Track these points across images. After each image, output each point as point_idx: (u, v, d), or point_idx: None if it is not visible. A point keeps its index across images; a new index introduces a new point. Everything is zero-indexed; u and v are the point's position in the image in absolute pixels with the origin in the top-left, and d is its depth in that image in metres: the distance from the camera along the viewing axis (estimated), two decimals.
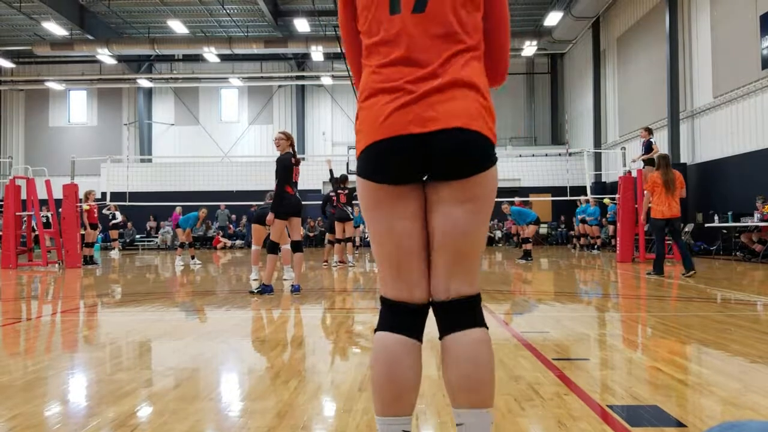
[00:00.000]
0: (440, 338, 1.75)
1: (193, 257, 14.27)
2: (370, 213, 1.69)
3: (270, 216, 7.27)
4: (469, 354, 1.71)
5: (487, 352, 1.74)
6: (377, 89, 1.62)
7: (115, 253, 17.97)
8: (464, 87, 1.63)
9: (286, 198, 7.21)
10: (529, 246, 13.76)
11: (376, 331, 1.75)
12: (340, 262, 12.36)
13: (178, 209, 16.38)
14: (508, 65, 1.86)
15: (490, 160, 1.71)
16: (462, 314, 1.71)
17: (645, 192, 9.17)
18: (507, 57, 1.83)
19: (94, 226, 14.61)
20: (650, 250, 15.01)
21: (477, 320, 1.71)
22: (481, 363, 1.73)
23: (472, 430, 1.69)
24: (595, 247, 18.12)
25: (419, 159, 1.60)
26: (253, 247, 9.76)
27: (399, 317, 1.73)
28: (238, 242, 25.39)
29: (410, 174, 1.63)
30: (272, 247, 7.40)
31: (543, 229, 24.33)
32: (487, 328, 1.74)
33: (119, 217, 18.03)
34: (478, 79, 1.67)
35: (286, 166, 7.26)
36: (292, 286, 7.48)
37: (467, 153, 1.63)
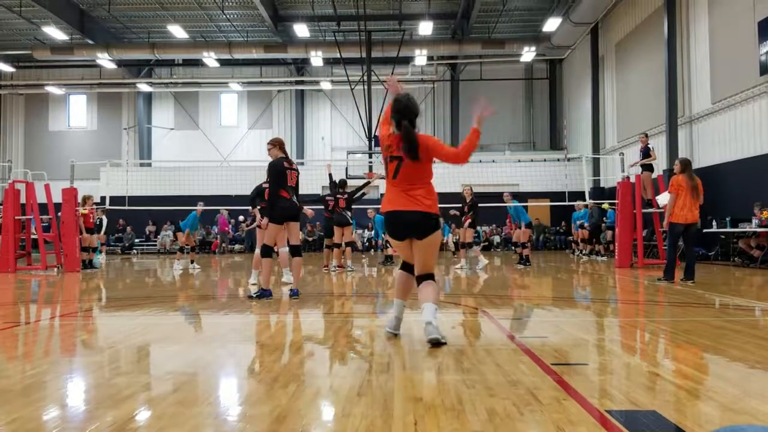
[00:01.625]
0: (417, 285, 4.46)
1: (192, 261, 14.26)
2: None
3: (264, 220, 7.25)
4: (426, 288, 4.37)
5: (433, 286, 4.38)
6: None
7: (102, 258, 17.91)
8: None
9: (280, 203, 7.18)
10: (527, 251, 13.78)
11: (398, 269, 4.67)
12: (338, 266, 12.38)
13: (224, 212, 16.44)
14: (468, 152, 4.54)
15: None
16: (424, 278, 4.42)
17: (670, 193, 8.96)
18: (464, 155, 4.54)
19: (90, 231, 14.59)
20: (648, 255, 15.02)
21: (430, 278, 4.41)
22: (430, 290, 4.35)
23: (427, 309, 4.25)
24: (597, 252, 18.10)
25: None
26: (256, 251, 9.72)
27: (405, 267, 4.58)
28: (237, 246, 25.39)
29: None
30: (266, 251, 7.36)
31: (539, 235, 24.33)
32: (435, 280, 4.43)
33: (105, 222, 17.96)
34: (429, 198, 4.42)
35: (279, 171, 7.20)
36: (291, 290, 7.47)
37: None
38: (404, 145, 4.38)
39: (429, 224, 4.29)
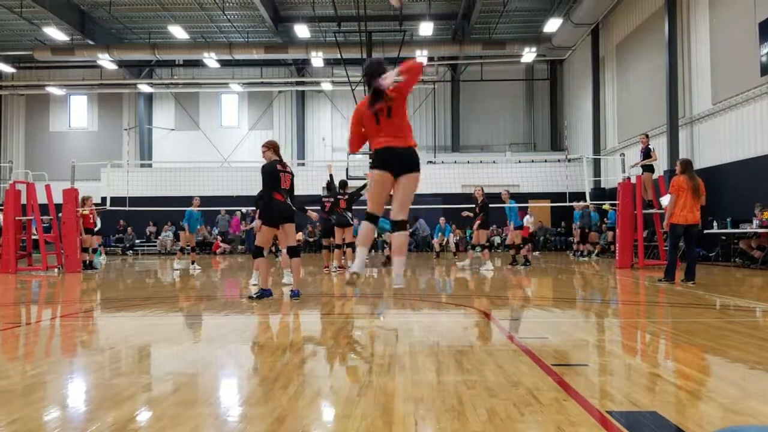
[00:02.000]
0: (391, 233, 5.05)
1: (193, 262, 14.25)
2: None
3: (257, 223, 7.33)
4: (399, 239, 4.93)
5: (405, 237, 4.94)
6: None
7: (103, 258, 17.92)
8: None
9: (274, 205, 7.23)
10: (524, 251, 13.77)
11: (361, 221, 5.08)
12: (339, 267, 12.35)
13: (239, 214, 16.48)
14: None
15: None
16: (399, 226, 4.90)
17: (670, 194, 8.92)
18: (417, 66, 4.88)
19: (90, 232, 14.60)
20: (648, 256, 15.01)
21: (404, 227, 4.90)
22: (402, 241, 4.92)
23: (397, 265, 4.94)
24: (596, 253, 18.13)
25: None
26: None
27: (370, 218, 4.93)
28: (240, 247, 25.39)
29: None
30: (257, 252, 7.45)
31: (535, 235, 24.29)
32: (407, 230, 4.93)
33: (98, 223, 17.92)
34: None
35: (272, 174, 7.28)
36: (292, 291, 7.48)
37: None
38: (372, 91, 4.84)
39: (416, 159, 4.99)
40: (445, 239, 20.47)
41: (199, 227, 14.54)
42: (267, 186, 7.28)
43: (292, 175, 7.53)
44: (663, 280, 9.15)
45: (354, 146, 5.14)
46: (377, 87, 4.74)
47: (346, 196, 12.40)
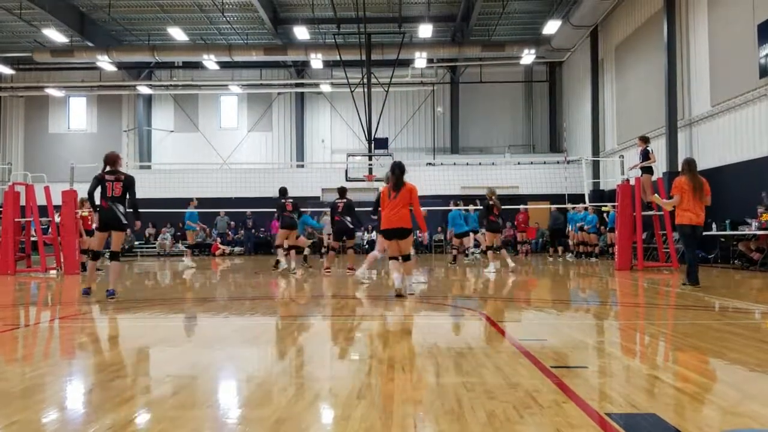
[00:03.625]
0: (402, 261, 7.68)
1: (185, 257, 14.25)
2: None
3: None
4: (406, 266, 7.70)
5: (410, 263, 7.88)
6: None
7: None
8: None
9: (100, 211, 7.98)
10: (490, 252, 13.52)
11: (390, 259, 7.87)
12: (349, 269, 12.40)
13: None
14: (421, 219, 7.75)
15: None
16: (405, 258, 7.72)
17: (673, 195, 8.76)
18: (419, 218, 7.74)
19: (90, 233, 14.58)
20: (648, 258, 15.01)
21: (408, 258, 7.78)
22: (408, 267, 7.74)
23: (404, 278, 7.59)
24: (593, 255, 18.15)
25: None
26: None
27: (394, 258, 7.75)
28: (237, 249, 25.37)
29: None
30: (95, 256, 8.32)
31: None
32: (410, 259, 7.90)
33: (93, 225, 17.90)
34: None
35: (99, 181, 7.98)
36: (107, 290, 7.72)
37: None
38: (393, 182, 7.62)
39: (408, 231, 7.67)
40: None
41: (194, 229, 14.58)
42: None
43: (121, 183, 7.91)
44: (687, 284, 8.65)
45: None
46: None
47: (345, 201, 12.51)
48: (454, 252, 16.22)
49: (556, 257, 19.33)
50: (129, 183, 7.99)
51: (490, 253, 13.09)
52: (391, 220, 7.52)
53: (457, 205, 16.17)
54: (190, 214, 14.31)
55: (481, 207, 13.62)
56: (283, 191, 13.29)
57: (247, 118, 30.22)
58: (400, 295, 7.39)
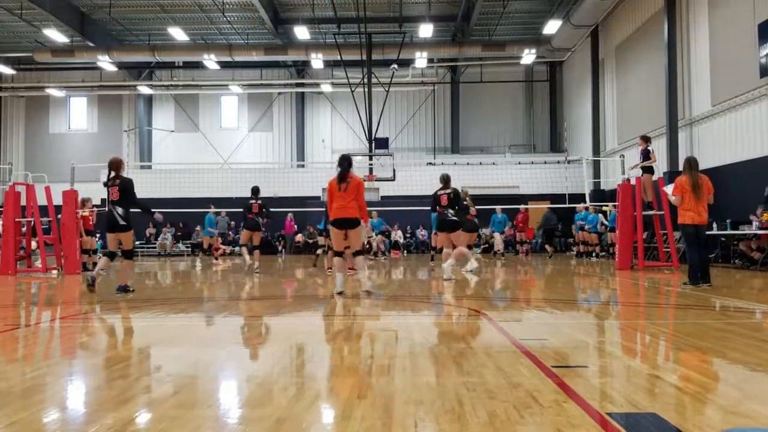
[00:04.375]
0: (353, 256, 8.22)
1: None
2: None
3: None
4: (357, 261, 8.14)
5: (361, 258, 8.14)
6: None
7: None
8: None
9: (105, 215, 8.60)
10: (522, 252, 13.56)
11: (334, 256, 8.27)
12: (350, 269, 12.51)
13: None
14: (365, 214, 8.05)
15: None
16: (356, 254, 8.15)
17: (675, 197, 8.74)
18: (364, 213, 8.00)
19: (90, 233, 14.60)
20: (648, 257, 15.01)
21: (359, 253, 8.14)
22: (359, 262, 8.13)
23: (360, 272, 8.17)
24: (594, 254, 18.15)
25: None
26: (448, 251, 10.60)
27: (339, 255, 8.12)
28: (237, 249, 25.34)
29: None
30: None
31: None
32: (362, 254, 8.21)
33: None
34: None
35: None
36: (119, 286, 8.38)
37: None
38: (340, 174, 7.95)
39: (357, 222, 7.86)
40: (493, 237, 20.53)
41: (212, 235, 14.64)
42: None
43: (119, 185, 8.37)
44: (688, 283, 8.75)
45: None
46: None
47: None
48: (432, 252, 16.56)
49: (546, 256, 19.46)
50: (124, 186, 8.39)
51: (469, 252, 12.86)
52: (341, 210, 7.76)
53: None
54: (209, 219, 14.42)
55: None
56: (254, 191, 13.49)
57: (248, 118, 30.23)
58: (340, 293, 7.72)
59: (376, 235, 20.29)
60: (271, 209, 14.19)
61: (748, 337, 4.55)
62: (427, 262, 16.81)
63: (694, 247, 8.75)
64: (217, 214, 20.39)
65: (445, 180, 10.54)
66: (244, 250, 13.78)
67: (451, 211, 10.41)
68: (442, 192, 10.36)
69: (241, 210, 13.67)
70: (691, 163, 8.76)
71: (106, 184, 8.48)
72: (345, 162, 7.98)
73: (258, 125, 30.12)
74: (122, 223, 8.35)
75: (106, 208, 8.45)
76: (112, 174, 8.49)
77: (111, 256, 8.63)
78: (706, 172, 15.81)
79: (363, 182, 8.03)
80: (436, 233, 16.89)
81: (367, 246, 17.68)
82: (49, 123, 30.46)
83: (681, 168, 9.04)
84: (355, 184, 7.85)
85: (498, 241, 19.61)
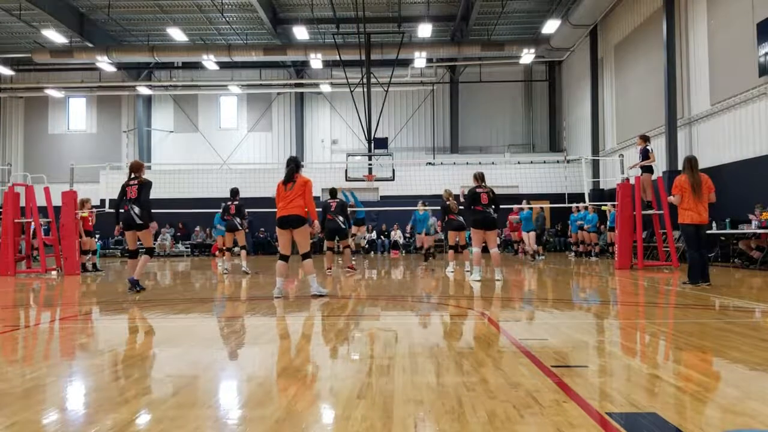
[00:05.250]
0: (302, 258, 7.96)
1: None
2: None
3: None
4: (305, 265, 8.02)
5: (309, 262, 8.01)
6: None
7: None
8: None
9: (120, 214, 9.01)
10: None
11: (279, 260, 8.02)
12: (349, 268, 13.08)
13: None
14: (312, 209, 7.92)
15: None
16: (304, 257, 7.95)
17: (674, 195, 8.67)
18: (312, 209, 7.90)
19: (89, 234, 14.60)
20: (648, 257, 15.02)
21: (307, 256, 7.98)
22: (307, 267, 8.03)
23: (311, 279, 7.98)
24: (593, 254, 18.15)
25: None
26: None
27: (283, 258, 7.98)
28: (236, 249, 25.31)
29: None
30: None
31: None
32: (310, 257, 8.04)
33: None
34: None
35: (123, 187, 9.03)
36: (129, 279, 8.68)
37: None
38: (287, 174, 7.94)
39: (301, 220, 7.79)
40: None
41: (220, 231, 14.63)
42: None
43: (139, 186, 8.65)
44: (687, 282, 8.72)
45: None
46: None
47: (337, 201, 12.82)
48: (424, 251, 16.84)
49: (537, 257, 19.30)
50: (143, 185, 8.67)
51: (450, 252, 12.65)
52: (284, 209, 7.76)
53: (424, 205, 16.49)
54: (218, 218, 14.41)
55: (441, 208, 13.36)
56: (233, 192, 13.46)
57: (247, 118, 30.22)
58: (278, 298, 7.60)
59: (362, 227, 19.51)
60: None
61: (748, 337, 4.55)
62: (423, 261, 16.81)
63: (694, 246, 8.71)
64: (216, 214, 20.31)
65: (481, 177, 10.19)
66: (243, 253, 13.74)
67: (492, 207, 9.96)
68: (482, 190, 9.96)
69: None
70: (692, 162, 8.70)
71: (125, 185, 8.74)
72: (292, 162, 7.94)
73: (257, 125, 30.11)
74: (139, 222, 8.54)
75: (124, 207, 8.78)
76: (133, 175, 8.78)
77: (133, 255, 8.88)
78: (706, 171, 15.81)
79: (310, 181, 7.92)
80: (421, 234, 17.02)
81: (353, 248, 17.60)
82: (48, 123, 30.44)
83: (681, 167, 8.99)
84: (301, 182, 7.79)
85: (529, 238, 17.94)
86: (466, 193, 10.28)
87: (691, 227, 8.60)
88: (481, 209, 9.90)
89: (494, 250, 10.35)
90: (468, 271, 11.68)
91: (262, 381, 3.43)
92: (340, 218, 12.47)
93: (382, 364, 3.72)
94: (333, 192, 13.02)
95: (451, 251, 12.68)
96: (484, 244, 10.23)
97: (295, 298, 7.80)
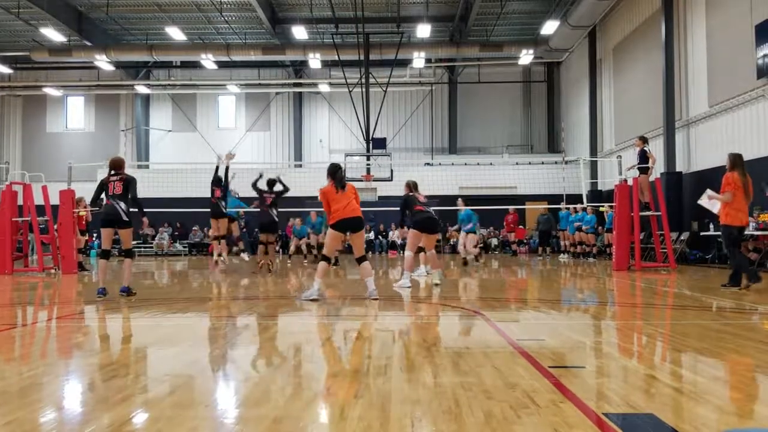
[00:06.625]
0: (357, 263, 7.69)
1: (220, 254, 13.93)
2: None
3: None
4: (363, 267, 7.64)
5: (368, 266, 7.68)
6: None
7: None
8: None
9: (104, 208, 8.30)
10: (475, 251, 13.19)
11: (321, 259, 7.67)
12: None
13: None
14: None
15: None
16: (360, 260, 7.67)
17: (726, 192, 8.08)
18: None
19: (83, 232, 14.61)
20: (645, 258, 15.03)
21: (364, 259, 7.68)
22: (365, 268, 7.60)
23: (369, 284, 7.54)
24: (591, 255, 18.17)
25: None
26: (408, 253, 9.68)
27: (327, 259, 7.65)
28: (235, 249, 25.30)
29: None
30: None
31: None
32: (366, 260, 7.68)
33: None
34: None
35: (102, 183, 8.35)
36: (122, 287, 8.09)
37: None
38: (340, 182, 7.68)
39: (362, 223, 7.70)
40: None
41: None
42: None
43: (125, 182, 8.11)
44: (727, 285, 8.17)
45: None
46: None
47: (273, 196, 12.77)
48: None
49: (544, 256, 19.51)
50: (129, 181, 8.16)
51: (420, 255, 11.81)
52: (354, 210, 7.56)
53: (464, 203, 15.83)
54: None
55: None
56: (270, 183, 13.24)
57: (245, 117, 30.20)
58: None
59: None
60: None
61: (745, 338, 4.55)
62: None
63: (738, 248, 8.19)
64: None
65: (415, 186, 10.04)
66: (223, 245, 13.55)
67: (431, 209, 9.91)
68: (417, 195, 9.86)
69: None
70: (741, 159, 8.23)
71: (105, 182, 8.18)
72: (339, 169, 7.75)
73: (255, 125, 30.09)
74: (125, 218, 8.06)
75: (106, 202, 8.14)
76: (113, 171, 8.24)
77: (105, 255, 8.28)
78: (703, 174, 15.93)
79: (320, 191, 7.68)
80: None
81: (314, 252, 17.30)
82: (46, 122, 30.38)
83: (728, 163, 8.41)
84: (351, 187, 7.71)
85: (467, 241, 16.22)
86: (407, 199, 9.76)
87: (736, 229, 8.08)
88: (422, 209, 9.52)
89: (431, 252, 9.84)
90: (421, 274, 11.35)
91: (259, 380, 3.43)
92: (274, 212, 12.61)
93: (379, 364, 3.72)
94: (271, 183, 12.94)
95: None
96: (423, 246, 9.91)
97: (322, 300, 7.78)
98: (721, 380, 3.34)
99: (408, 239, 9.79)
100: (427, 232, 9.48)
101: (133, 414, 2.72)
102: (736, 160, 8.28)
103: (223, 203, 13.04)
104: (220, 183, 13.17)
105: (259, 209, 13.08)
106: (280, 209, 13.23)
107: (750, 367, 3.63)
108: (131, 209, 8.17)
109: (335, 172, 7.65)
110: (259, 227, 12.85)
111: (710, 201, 8.61)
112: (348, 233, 7.72)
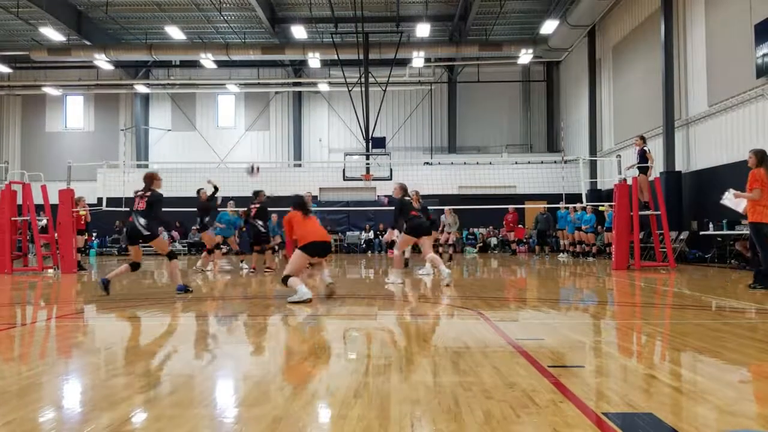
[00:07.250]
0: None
1: (242, 261, 14.18)
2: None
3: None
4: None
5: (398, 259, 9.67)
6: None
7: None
8: None
9: (127, 225, 8.61)
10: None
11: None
12: (252, 269, 13.06)
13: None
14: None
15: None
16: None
17: (754, 189, 7.92)
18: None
19: (81, 232, 14.60)
20: (645, 257, 15.04)
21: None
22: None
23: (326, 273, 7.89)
24: (591, 254, 18.18)
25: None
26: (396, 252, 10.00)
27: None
28: (240, 264, 25.21)
29: None
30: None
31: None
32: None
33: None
34: None
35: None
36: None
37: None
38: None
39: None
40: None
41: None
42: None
43: (145, 198, 8.22)
44: (756, 286, 7.90)
45: None
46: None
47: (255, 207, 12.88)
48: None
49: (542, 256, 19.55)
50: (154, 199, 8.34)
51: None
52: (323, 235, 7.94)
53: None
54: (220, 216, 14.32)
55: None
56: (255, 194, 13.40)
57: (245, 117, 30.18)
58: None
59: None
60: (268, 209, 14.16)
61: (744, 337, 4.56)
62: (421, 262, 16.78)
63: (767, 246, 7.91)
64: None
65: (405, 189, 10.15)
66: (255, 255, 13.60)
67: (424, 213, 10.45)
68: (411, 199, 10.23)
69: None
70: (766, 155, 8.05)
71: (135, 193, 8.49)
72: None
73: (255, 124, 30.07)
74: (146, 233, 8.24)
75: (129, 219, 8.48)
76: (144, 186, 8.48)
77: (135, 267, 8.40)
78: (703, 173, 15.94)
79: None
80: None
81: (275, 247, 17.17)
82: (45, 121, 30.36)
83: (753, 160, 8.29)
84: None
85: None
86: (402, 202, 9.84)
87: (767, 226, 7.84)
88: (416, 214, 9.78)
89: (430, 255, 9.76)
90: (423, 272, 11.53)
91: (259, 380, 3.43)
92: (260, 222, 12.63)
93: (378, 363, 3.72)
94: (256, 194, 13.07)
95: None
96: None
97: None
98: (721, 380, 3.34)
99: (399, 240, 9.98)
100: (421, 236, 9.66)
101: (133, 413, 2.72)
102: (759, 156, 8.09)
103: (260, 222, 13.00)
104: (207, 211, 13.41)
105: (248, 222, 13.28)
106: (280, 209, 13.24)
107: (749, 366, 3.63)
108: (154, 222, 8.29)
109: (302, 204, 7.77)
110: (251, 241, 13.04)
111: (735, 199, 8.43)
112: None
